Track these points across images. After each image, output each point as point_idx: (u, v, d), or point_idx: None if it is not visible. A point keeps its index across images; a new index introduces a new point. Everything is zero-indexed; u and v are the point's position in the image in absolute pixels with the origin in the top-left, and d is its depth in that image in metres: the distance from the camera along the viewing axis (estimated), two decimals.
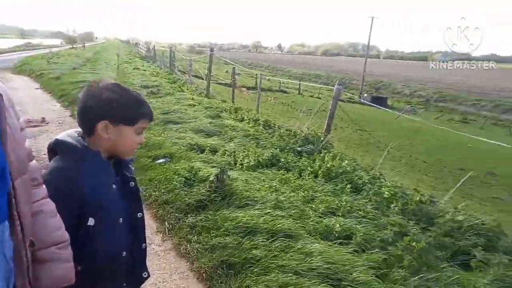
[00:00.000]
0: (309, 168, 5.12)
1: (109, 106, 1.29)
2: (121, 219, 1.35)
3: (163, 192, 4.10)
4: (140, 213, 1.45)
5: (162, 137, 6.05)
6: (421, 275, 2.64)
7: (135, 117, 1.33)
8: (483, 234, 3.37)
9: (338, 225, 3.33)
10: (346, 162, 5.47)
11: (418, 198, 4.14)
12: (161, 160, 4.96)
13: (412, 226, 3.54)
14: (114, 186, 1.34)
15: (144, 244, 1.48)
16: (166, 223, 3.61)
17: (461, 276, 2.68)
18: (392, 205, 3.96)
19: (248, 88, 14.97)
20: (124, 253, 1.37)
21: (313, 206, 3.93)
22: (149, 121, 1.39)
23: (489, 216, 3.95)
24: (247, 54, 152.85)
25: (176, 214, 3.68)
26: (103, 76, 14.74)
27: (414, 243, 2.96)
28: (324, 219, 3.56)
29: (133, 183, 1.42)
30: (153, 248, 3.26)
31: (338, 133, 12.29)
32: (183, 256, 3.14)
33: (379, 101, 43.27)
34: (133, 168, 1.50)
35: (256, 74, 12.72)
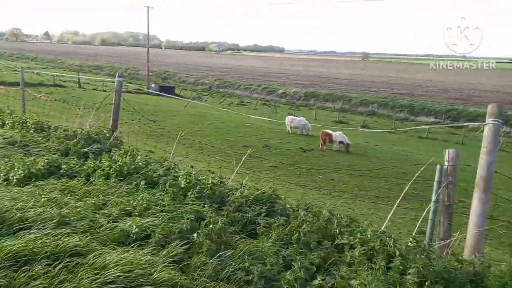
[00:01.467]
0: (98, 171, 4.66)
1: None
2: None
3: None
4: None
5: None
6: (219, 255, 2.79)
7: None
8: (264, 202, 3.87)
9: (134, 226, 3.14)
10: (139, 157, 5.26)
11: (210, 181, 4.37)
12: None
13: (208, 209, 3.71)
14: None
15: None
16: None
17: (251, 244, 2.99)
18: (189, 193, 4.04)
19: (10, 84, 12.36)
20: None
21: (106, 211, 3.59)
22: None
23: (267, 185, 4.59)
24: (4, 44, 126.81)
25: None
26: None
27: (211, 226, 3.10)
28: (119, 223, 3.30)
29: None
30: None
31: (128, 127, 11.79)
32: None
33: (167, 90, 44.25)
34: None
35: (21, 67, 10.60)
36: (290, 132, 22.31)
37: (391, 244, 2.69)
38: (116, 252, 2.74)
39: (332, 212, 3.61)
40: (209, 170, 8.22)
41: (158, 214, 3.52)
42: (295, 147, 17.91)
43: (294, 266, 2.52)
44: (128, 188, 4.26)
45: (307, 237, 2.98)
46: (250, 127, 21.76)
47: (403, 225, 7.91)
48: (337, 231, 3.13)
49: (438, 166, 3.74)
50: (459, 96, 52.03)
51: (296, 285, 2.20)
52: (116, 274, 2.42)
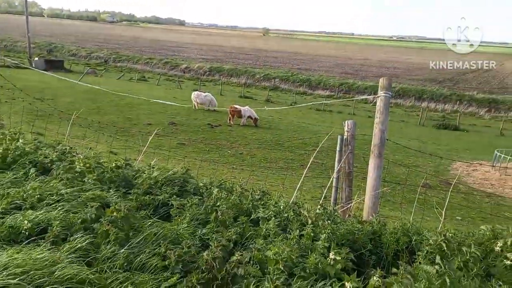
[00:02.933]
0: None
1: None
2: None
3: None
4: None
5: None
6: (130, 242, 2.61)
7: None
8: (176, 182, 3.73)
9: (26, 221, 2.75)
10: (25, 141, 4.63)
11: (114, 164, 4.05)
12: None
13: (113, 194, 3.44)
14: None
15: None
16: None
17: (165, 228, 2.86)
18: (86, 178, 3.68)
19: None
20: None
21: None
22: None
23: (178, 164, 4.44)
24: None
25: None
26: None
27: (116, 213, 2.87)
28: (7, 218, 2.86)
29: None
30: None
31: (10, 107, 10.26)
32: None
33: (54, 64, 39.50)
34: None
35: None
36: (197, 108, 21.93)
37: (304, 214, 2.83)
38: (6, 252, 2.38)
39: (244, 187, 3.66)
40: (111, 152, 7.65)
41: (54, 204, 3.14)
42: (203, 123, 17.72)
43: (211, 246, 2.49)
44: (14, 178, 3.71)
45: (223, 215, 2.97)
46: (154, 104, 20.77)
47: (306, 191, 8.51)
48: (251, 205, 3.18)
49: (339, 136, 4.03)
50: (349, 70, 56.96)
51: (215, 264, 2.18)
52: (7, 278, 2.09)
